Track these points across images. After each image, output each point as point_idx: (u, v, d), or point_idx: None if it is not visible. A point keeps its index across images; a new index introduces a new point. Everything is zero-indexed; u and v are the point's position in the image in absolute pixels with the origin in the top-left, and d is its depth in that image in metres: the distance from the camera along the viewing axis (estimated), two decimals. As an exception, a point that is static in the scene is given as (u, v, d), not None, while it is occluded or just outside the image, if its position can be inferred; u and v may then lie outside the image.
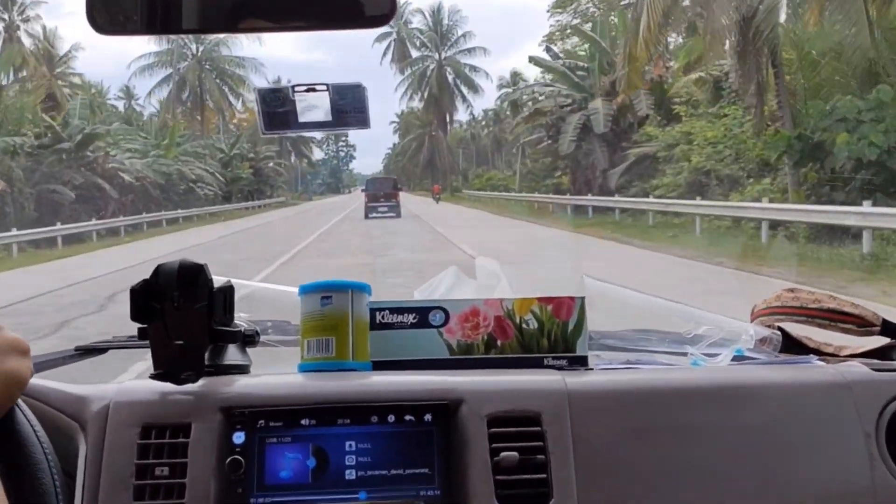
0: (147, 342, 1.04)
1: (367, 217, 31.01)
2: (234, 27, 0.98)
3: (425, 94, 64.87)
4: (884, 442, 1.07)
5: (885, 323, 1.31)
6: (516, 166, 45.86)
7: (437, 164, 67.26)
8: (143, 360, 1.12)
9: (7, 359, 0.84)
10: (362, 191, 36.72)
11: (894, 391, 1.11)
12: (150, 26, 0.99)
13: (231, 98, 56.15)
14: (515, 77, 54.87)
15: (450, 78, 64.72)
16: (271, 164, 54.79)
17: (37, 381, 1.04)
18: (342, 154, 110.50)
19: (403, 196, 40.18)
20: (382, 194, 33.29)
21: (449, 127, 68.29)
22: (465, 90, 64.78)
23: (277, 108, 1.21)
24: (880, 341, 1.32)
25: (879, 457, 1.06)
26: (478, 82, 64.15)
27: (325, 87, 1.20)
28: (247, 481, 1.00)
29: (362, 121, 1.22)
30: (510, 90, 52.09)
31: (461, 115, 68.79)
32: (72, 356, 1.35)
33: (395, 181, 36.78)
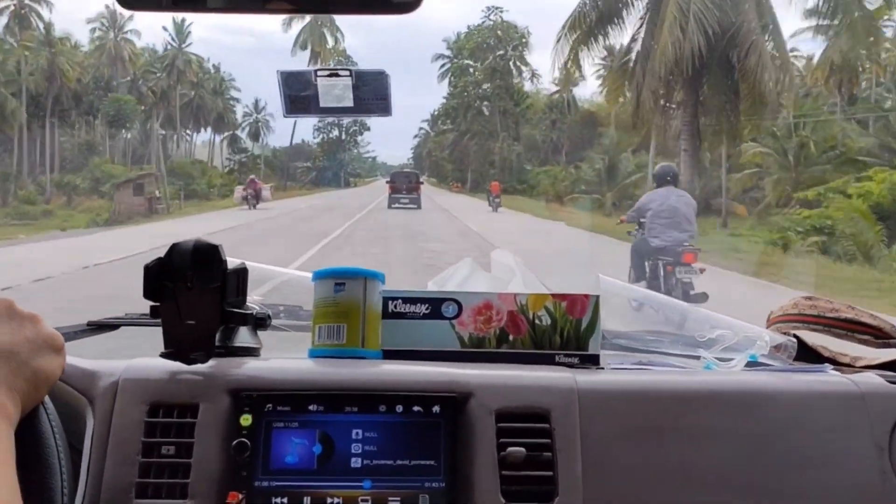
0: (158, 320, 1.04)
1: (389, 207, 32.68)
2: (260, 8, 0.98)
3: None
4: None
5: None
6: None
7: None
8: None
9: (40, 355, 0.83)
10: (387, 182, 37.94)
11: None
12: (178, 3, 0.98)
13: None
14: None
15: None
16: None
17: None
18: (346, 124, 63.37)
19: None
20: (405, 187, 35.18)
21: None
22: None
23: (299, 91, 1.21)
24: (897, 354, 1.30)
25: (892, 471, 1.05)
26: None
27: (347, 73, 1.19)
28: (252, 464, 0.99)
29: (384, 108, 1.21)
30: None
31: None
32: (83, 331, 1.36)
33: (417, 175, 37.88)
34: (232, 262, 1.05)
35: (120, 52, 47.80)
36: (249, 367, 1.08)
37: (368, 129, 68.92)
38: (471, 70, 46.82)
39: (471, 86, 46.43)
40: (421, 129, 70.90)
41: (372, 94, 1.20)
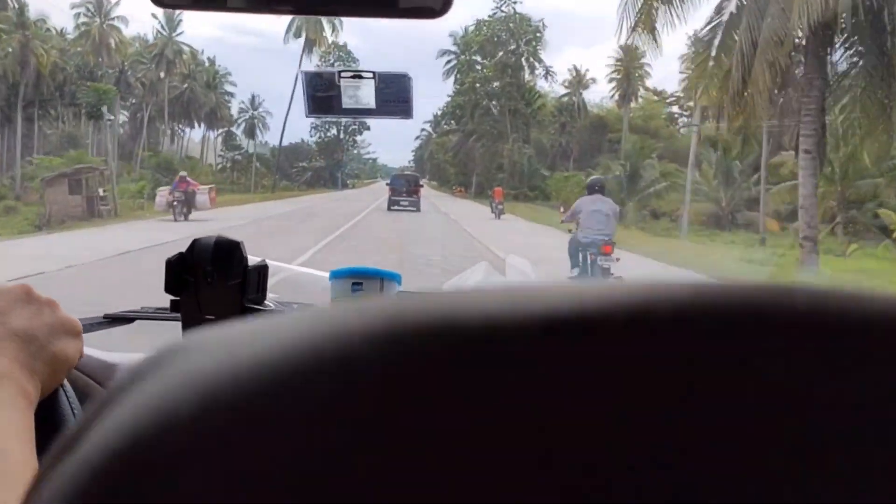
0: (177, 314, 1.05)
1: (389, 209, 32.36)
2: (277, 8, 0.98)
3: None
4: None
5: None
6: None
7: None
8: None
9: (59, 339, 0.84)
10: (387, 184, 37.59)
11: None
12: (199, 2, 1.00)
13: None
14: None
15: None
16: None
17: None
18: (345, 122, 52.17)
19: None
20: (405, 189, 34.91)
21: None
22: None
23: (322, 92, 1.22)
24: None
25: None
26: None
27: (371, 75, 1.20)
28: None
29: (405, 110, 1.22)
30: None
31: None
32: (100, 323, 1.37)
33: (417, 178, 37.58)
34: (252, 259, 1.06)
35: (105, 39, 43.88)
36: None
37: (368, 128, 59.94)
38: (478, 67, 43.64)
39: (479, 82, 43.05)
40: (423, 130, 64.94)
41: (394, 96, 1.21)
